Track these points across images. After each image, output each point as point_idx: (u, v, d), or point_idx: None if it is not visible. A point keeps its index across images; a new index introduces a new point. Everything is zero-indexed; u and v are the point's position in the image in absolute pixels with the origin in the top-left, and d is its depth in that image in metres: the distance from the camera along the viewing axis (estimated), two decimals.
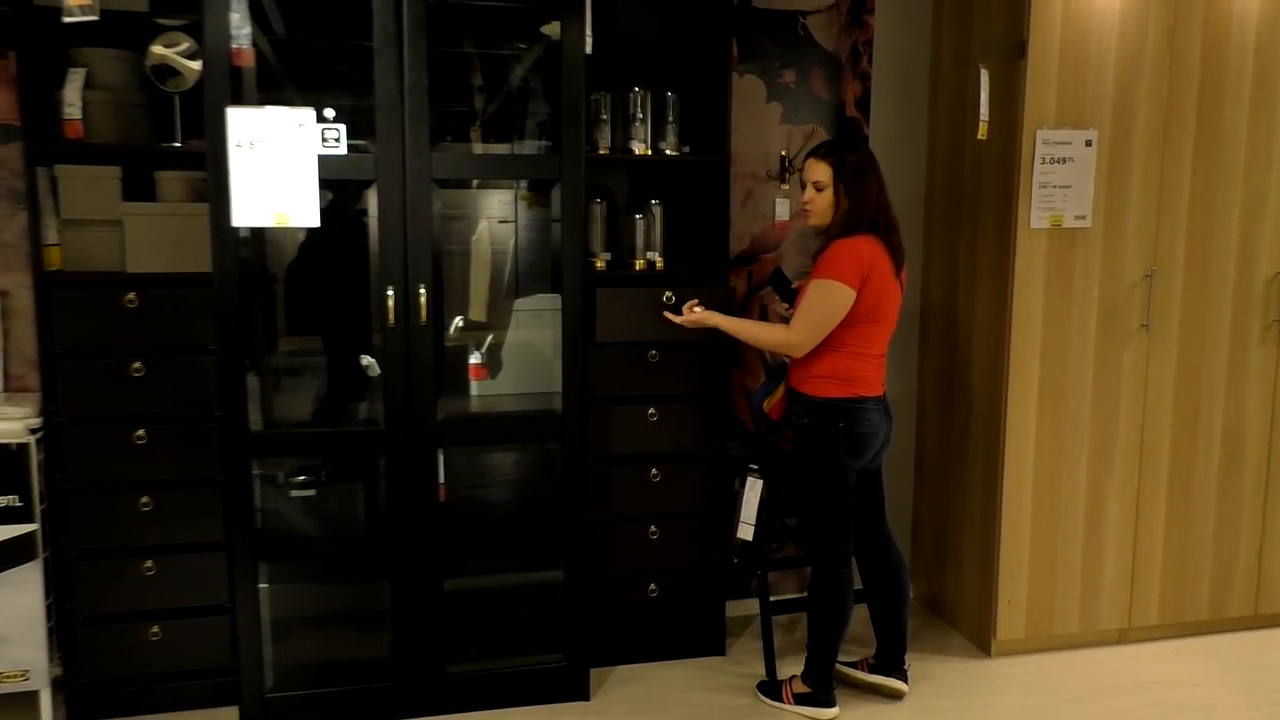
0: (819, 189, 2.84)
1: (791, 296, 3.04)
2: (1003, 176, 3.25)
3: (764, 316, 3.65)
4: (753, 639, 3.54)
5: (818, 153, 2.86)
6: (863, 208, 2.81)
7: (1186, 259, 3.36)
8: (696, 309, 2.98)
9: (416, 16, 2.70)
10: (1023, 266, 3.23)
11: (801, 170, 2.90)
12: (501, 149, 3.28)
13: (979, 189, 3.40)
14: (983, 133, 3.21)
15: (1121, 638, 3.56)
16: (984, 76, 3.19)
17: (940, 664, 3.42)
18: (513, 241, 3.37)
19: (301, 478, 3.13)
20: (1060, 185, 3.21)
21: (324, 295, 3.29)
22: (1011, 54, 3.18)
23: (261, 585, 2.84)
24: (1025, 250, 3.22)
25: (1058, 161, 3.20)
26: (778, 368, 3.09)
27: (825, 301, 2.79)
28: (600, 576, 3.24)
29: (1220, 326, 3.42)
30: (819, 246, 2.89)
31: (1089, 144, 3.21)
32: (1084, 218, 3.24)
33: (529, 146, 3.29)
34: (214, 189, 2.63)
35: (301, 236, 3.20)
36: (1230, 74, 3.29)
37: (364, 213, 3.11)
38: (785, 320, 2.99)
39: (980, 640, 3.50)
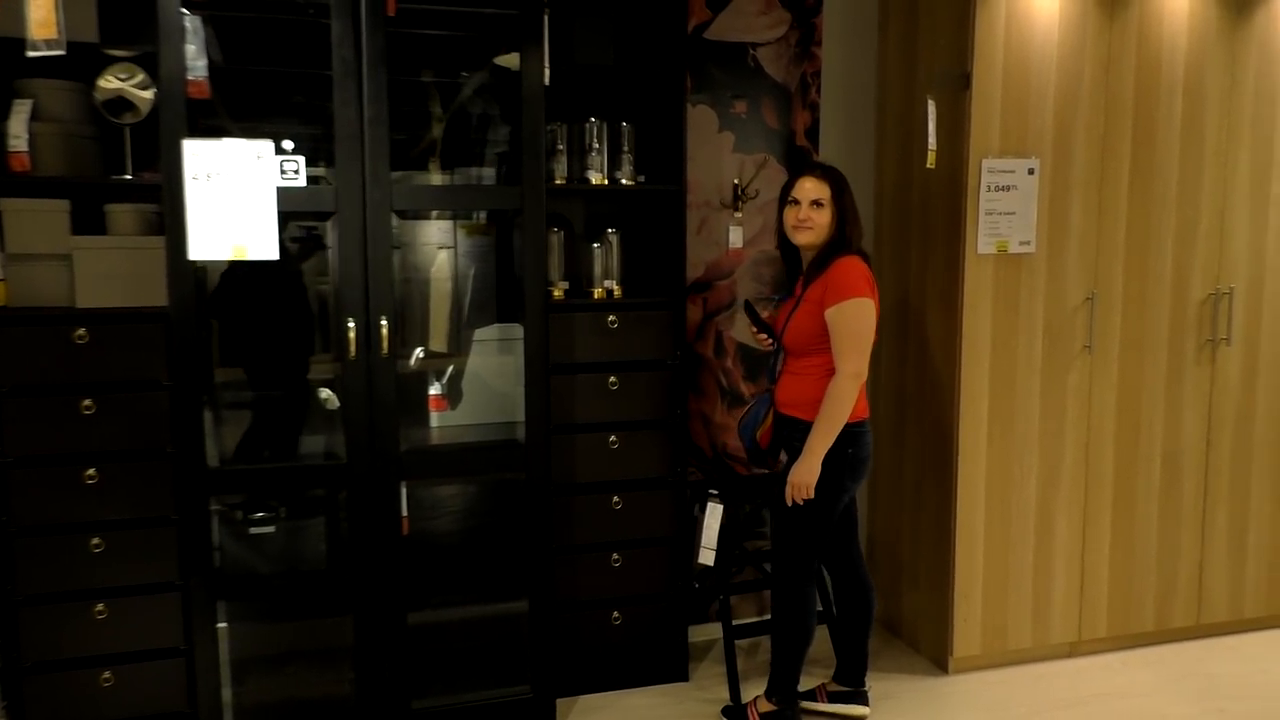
0: (819, 206, 2.86)
1: (765, 325, 3.03)
2: (950, 204, 3.35)
3: (719, 343, 3.69)
4: (714, 664, 3.56)
5: (814, 173, 2.89)
6: (854, 226, 2.90)
7: (1125, 282, 3.49)
8: (797, 486, 2.88)
9: (376, 49, 2.70)
10: (971, 291, 3.32)
11: (792, 189, 2.90)
12: (461, 179, 3.28)
13: (928, 216, 3.49)
14: (931, 161, 3.31)
15: (1072, 651, 3.65)
16: (931, 107, 3.29)
17: (900, 683, 3.47)
18: (453, 270, 3.36)
19: (260, 514, 3.07)
20: (1005, 212, 3.31)
21: (265, 326, 3.23)
22: (957, 86, 3.28)
23: (219, 625, 2.78)
24: (973, 275, 3.31)
25: (1002, 189, 3.30)
26: (764, 395, 3.06)
27: (861, 320, 2.82)
28: (565, 606, 3.23)
29: (1158, 347, 3.55)
30: (812, 266, 2.90)
31: (1031, 172, 3.32)
32: (1028, 243, 3.35)
33: (487, 176, 3.30)
34: (170, 222, 2.59)
35: (226, 267, 3.12)
36: (1161, 108, 3.44)
37: (299, 239, 3.09)
38: (764, 346, 3.10)
39: (938, 658, 3.56)
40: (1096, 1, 3.33)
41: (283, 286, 3.16)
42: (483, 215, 3.37)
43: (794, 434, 2.92)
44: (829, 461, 2.85)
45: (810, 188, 2.86)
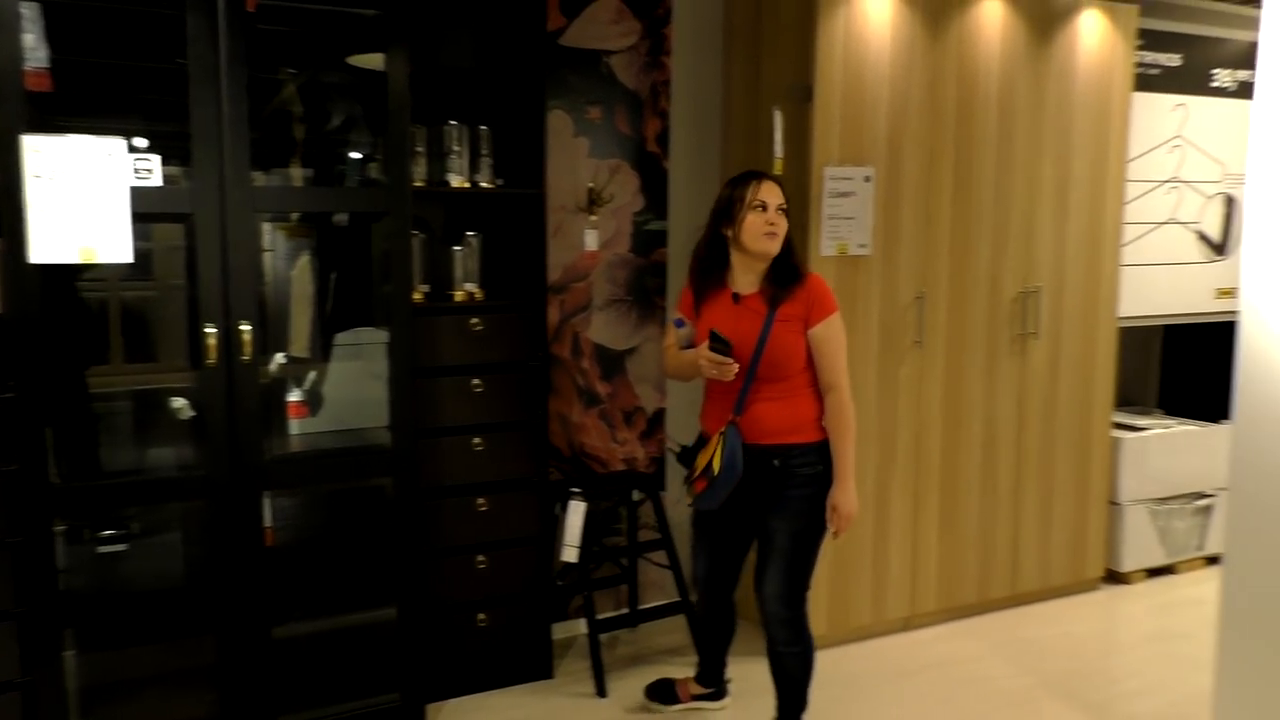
0: (784, 212, 2.69)
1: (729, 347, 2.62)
2: (795, 209, 3.52)
3: (575, 344, 3.75)
4: (576, 659, 3.62)
5: (769, 178, 2.72)
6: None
7: (949, 282, 3.79)
8: (848, 515, 2.71)
9: (235, 46, 2.60)
10: None
11: (752, 193, 2.67)
12: (321, 180, 3.20)
13: None
14: (778, 169, 3.49)
15: (907, 624, 3.93)
16: (778, 118, 3.47)
17: (751, 664, 3.62)
18: (312, 273, 3.27)
19: (109, 532, 2.90)
20: (845, 217, 3.54)
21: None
22: (800, 98, 3.47)
23: (66, 653, 2.61)
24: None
25: (842, 195, 3.52)
26: (730, 428, 2.70)
27: (843, 334, 2.76)
28: (432, 610, 3.21)
29: (977, 340, 3.88)
30: (772, 281, 2.68)
31: (868, 180, 3.56)
32: (865, 246, 3.59)
33: (350, 178, 3.23)
34: (9, 223, 2.41)
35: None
36: (978, 122, 3.75)
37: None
38: (727, 377, 2.62)
39: None
40: (922, 23, 3.60)
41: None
42: (297, 217, 3.27)
43: (791, 459, 2.70)
44: (825, 480, 2.73)
45: (774, 192, 2.67)
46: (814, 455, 2.71)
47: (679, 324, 2.77)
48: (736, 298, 2.72)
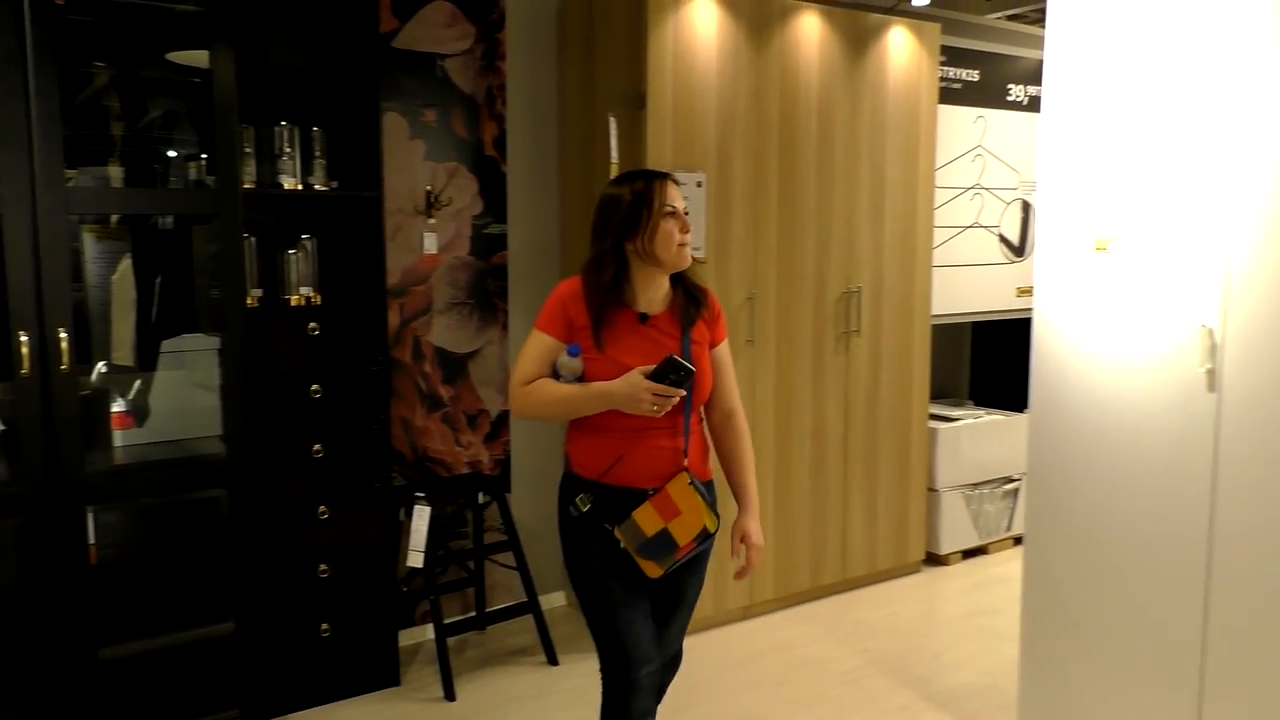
0: (688, 218, 2.30)
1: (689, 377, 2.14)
2: None
3: (417, 348, 3.73)
4: (424, 665, 3.60)
5: (668, 177, 2.29)
6: None
7: (777, 283, 3.97)
8: (752, 551, 2.37)
9: (42, 37, 2.48)
10: None
11: (659, 196, 2.22)
12: (141, 181, 3.06)
13: None
14: (614, 173, 3.57)
15: (746, 614, 4.08)
16: (613, 124, 3.56)
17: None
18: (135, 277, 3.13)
19: None
20: None
21: None
22: (634, 105, 3.58)
23: None
24: None
25: None
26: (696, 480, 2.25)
27: None
28: (273, 623, 3.13)
29: (805, 339, 4.08)
30: (683, 299, 2.30)
31: (700, 185, 3.70)
32: (700, 249, 3.72)
33: (174, 179, 3.11)
34: None
35: None
36: (800, 131, 3.96)
37: None
38: (664, 410, 2.16)
39: None
40: (747, 35, 3.77)
41: None
42: (115, 220, 3.14)
43: (709, 496, 2.31)
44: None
45: (678, 194, 2.27)
46: (714, 492, 2.35)
47: (574, 351, 2.20)
48: (644, 318, 2.25)
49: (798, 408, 4.10)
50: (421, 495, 3.45)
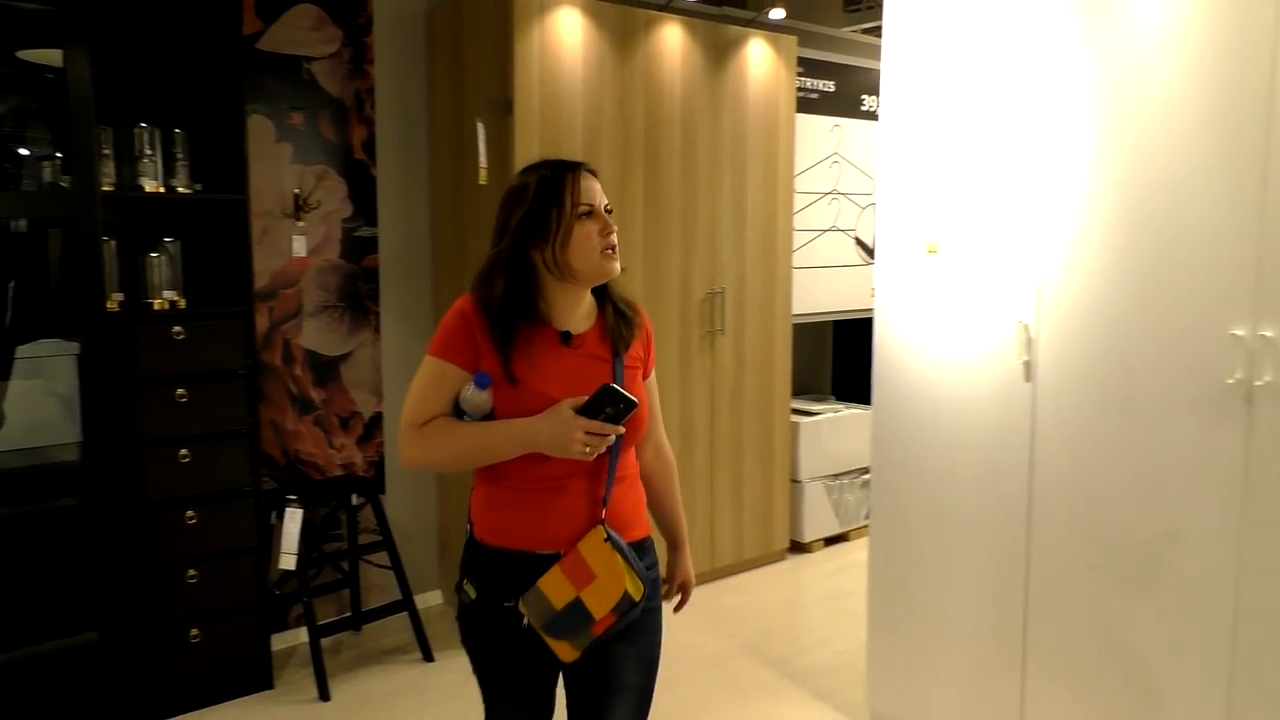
0: (609, 213, 1.85)
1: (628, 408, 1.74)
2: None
3: (287, 351, 3.72)
4: (298, 667, 3.60)
5: (584, 168, 1.85)
6: None
7: (645, 285, 4.12)
8: (686, 590, 2.13)
9: None
10: None
11: (571, 191, 1.79)
12: None
13: (481, 227, 3.83)
14: (483, 178, 3.66)
15: None
16: (481, 129, 3.64)
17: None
18: None
19: None
20: None
21: None
22: (501, 110, 3.66)
23: None
24: None
25: None
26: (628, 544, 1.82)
27: None
28: (140, 630, 3.09)
29: (673, 338, 4.24)
30: (611, 316, 1.87)
31: None
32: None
33: (26, 180, 3.04)
34: None
35: None
36: (664, 138, 4.11)
37: None
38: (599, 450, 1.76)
39: None
40: (611, 44, 3.90)
41: None
42: None
43: (644, 560, 1.87)
44: (658, 587, 1.99)
45: (597, 189, 1.84)
46: (654, 553, 1.94)
47: (483, 382, 1.76)
48: (567, 338, 1.82)
49: (666, 405, 4.25)
50: (293, 498, 3.46)
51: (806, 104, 4.88)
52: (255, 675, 3.40)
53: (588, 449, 1.72)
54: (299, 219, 3.71)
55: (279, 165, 3.66)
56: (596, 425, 1.71)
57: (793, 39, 4.57)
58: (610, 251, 1.80)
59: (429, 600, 4.19)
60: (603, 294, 1.88)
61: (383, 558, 3.81)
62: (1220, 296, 2.20)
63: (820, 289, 5.08)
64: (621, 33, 3.93)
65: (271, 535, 3.48)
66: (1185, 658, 2.33)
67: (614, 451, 1.82)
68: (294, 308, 3.73)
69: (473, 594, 1.83)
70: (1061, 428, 2.51)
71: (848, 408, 5.25)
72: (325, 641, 3.69)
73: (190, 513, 3.19)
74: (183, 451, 3.16)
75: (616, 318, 1.88)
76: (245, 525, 3.32)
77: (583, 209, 1.79)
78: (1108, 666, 2.48)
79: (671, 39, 4.10)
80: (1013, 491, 2.63)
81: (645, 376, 1.93)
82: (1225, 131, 2.19)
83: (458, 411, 1.80)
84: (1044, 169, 2.52)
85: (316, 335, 3.80)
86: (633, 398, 1.71)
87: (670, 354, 4.24)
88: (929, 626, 2.89)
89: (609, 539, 1.78)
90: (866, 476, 5.24)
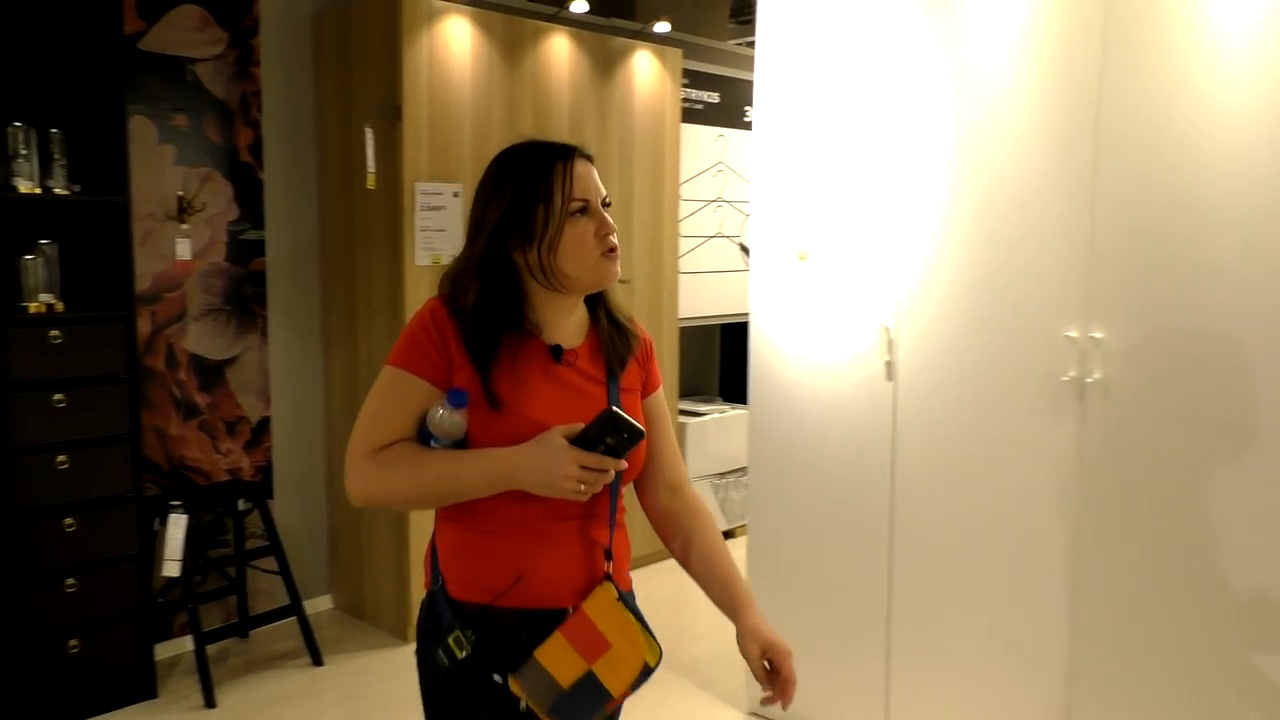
0: (607, 206, 1.57)
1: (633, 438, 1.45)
2: (391, 221, 3.76)
3: (170, 355, 3.68)
4: (183, 676, 3.56)
5: (579, 154, 1.56)
6: None
7: None
8: (783, 667, 1.62)
9: None
10: (412, 298, 3.76)
11: (564, 181, 1.51)
12: None
13: (370, 232, 3.86)
14: (371, 183, 3.69)
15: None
16: (369, 135, 3.67)
17: (366, 658, 3.79)
18: None
19: None
20: (437, 229, 3.81)
21: None
22: (390, 116, 3.70)
23: None
24: (413, 284, 3.76)
25: (434, 209, 3.79)
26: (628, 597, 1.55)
27: None
28: (16, 642, 3.02)
29: None
30: (603, 331, 1.60)
31: (456, 195, 3.86)
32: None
33: None
34: None
35: None
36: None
37: None
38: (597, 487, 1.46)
39: (399, 631, 3.95)
40: (499, 52, 3.98)
41: None
42: None
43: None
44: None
45: (594, 178, 1.56)
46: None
47: (458, 400, 1.45)
48: (558, 354, 1.54)
49: None
50: (177, 504, 3.42)
51: (692, 114, 5.03)
52: (138, 685, 3.36)
53: (582, 487, 1.41)
54: (183, 221, 3.67)
55: (162, 167, 3.61)
56: (594, 459, 1.41)
57: (678, 51, 4.71)
58: (611, 254, 1.53)
59: (319, 605, 4.18)
60: (594, 303, 1.61)
61: (271, 563, 3.79)
62: (1056, 301, 2.41)
63: (707, 293, 5.24)
64: (510, 42, 4.01)
65: (155, 542, 3.43)
66: (1030, 635, 2.54)
67: (614, 490, 1.54)
68: (178, 311, 3.69)
69: (463, 652, 1.45)
70: (919, 423, 2.69)
71: (734, 408, 5.42)
72: (211, 649, 3.66)
73: (69, 520, 3.13)
74: (61, 458, 3.10)
75: (612, 331, 1.60)
76: (127, 532, 3.28)
77: (576, 205, 1.51)
78: (963, 646, 2.67)
79: (559, 49, 4.19)
80: (876, 482, 2.81)
81: (645, 395, 1.66)
82: (1060, 153, 2.40)
83: (423, 436, 1.48)
84: (905, 183, 2.70)
85: (201, 339, 3.76)
86: (639, 426, 1.42)
87: None
88: (802, 613, 3.05)
89: (621, 598, 1.49)
90: None
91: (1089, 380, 2.37)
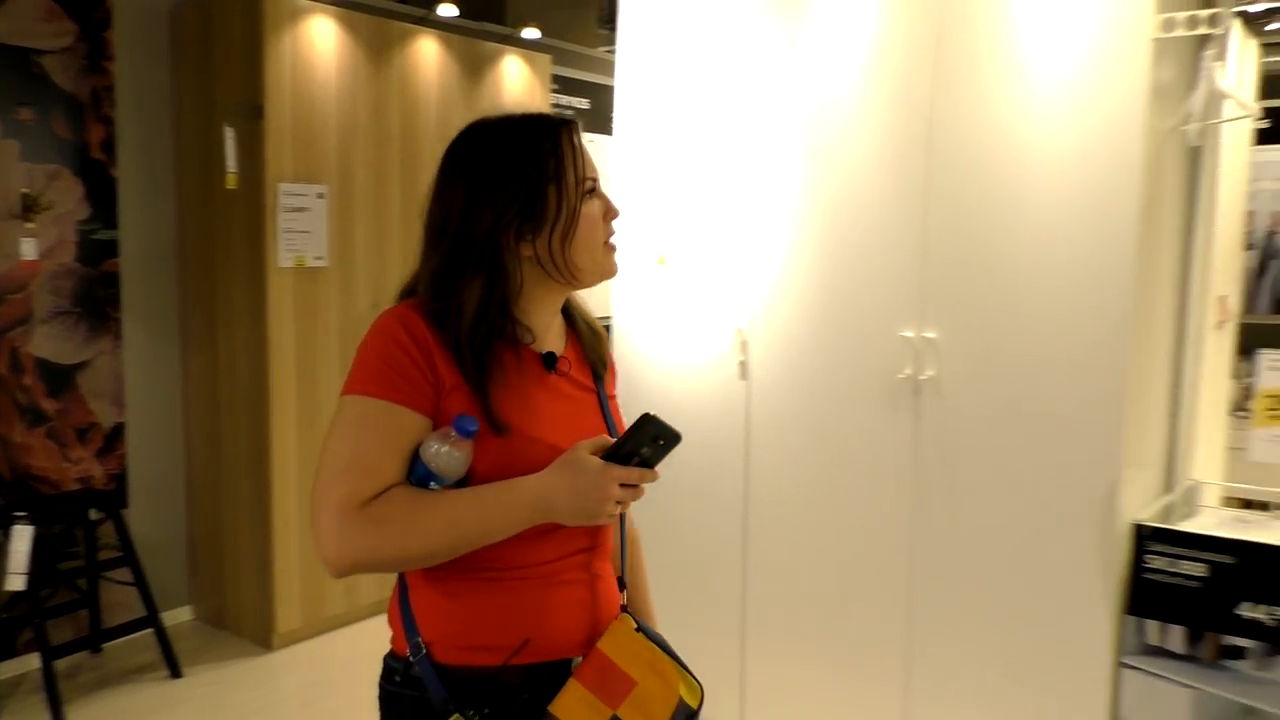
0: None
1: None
2: (252, 222, 3.69)
3: (15, 359, 3.53)
4: (28, 694, 3.42)
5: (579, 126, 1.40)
6: None
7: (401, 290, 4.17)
8: None
9: None
10: (274, 301, 3.70)
11: (575, 161, 1.34)
12: None
13: (231, 233, 3.78)
14: (232, 183, 3.62)
15: (378, 609, 4.23)
16: (230, 134, 3.60)
17: (228, 668, 3.71)
18: None
19: None
20: (301, 231, 3.76)
21: None
22: (251, 115, 3.64)
23: None
24: (276, 287, 3.70)
25: (297, 210, 3.74)
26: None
27: None
28: None
29: None
30: (564, 328, 1.46)
31: (321, 196, 3.82)
32: (322, 258, 3.85)
33: None
34: None
35: None
36: (422, 147, 4.20)
37: None
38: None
39: (262, 639, 3.88)
40: (365, 54, 3.95)
41: None
42: None
43: None
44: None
45: (591, 158, 1.39)
46: None
47: (467, 428, 1.22)
48: (551, 362, 1.38)
49: None
50: (22, 515, 3.29)
51: None
52: None
53: (619, 508, 1.26)
54: (28, 220, 3.53)
55: (5, 163, 3.46)
56: (635, 474, 1.25)
57: (547, 57, 4.76)
58: (612, 243, 1.38)
59: (179, 616, 4.07)
60: (565, 305, 1.44)
61: (126, 574, 3.67)
62: (894, 304, 2.56)
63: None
64: (376, 43, 3.99)
65: None
66: (873, 616, 2.68)
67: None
68: (23, 313, 3.54)
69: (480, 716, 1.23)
70: (770, 419, 2.81)
71: None
72: (60, 664, 3.52)
73: None
74: None
75: (590, 334, 1.45)
76: None
77: (588, 184, 1.34)
78: (812, 627, 2.80)
79: (428, 51, 4.19)
80: (732, 475, 2.91)
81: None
82: (897, 168, 2.55)
83: (416, 478, 1.23)
84: (760, 192, 2.82)
85: (49, 343, 3.62)
86: (677, 430, 1.27)
87: None
88: (666, 604, 3.13)
89: (640, 628, 1.33)
90: None
91: (922, 378, 2.53)
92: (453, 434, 1.21)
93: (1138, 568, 2.30)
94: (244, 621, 3.96)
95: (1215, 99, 2.29)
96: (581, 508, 1.22)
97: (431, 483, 1.22)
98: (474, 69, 4.40)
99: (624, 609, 1.37)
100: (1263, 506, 2.71)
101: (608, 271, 1.38)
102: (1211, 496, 2.64)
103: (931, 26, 2.47)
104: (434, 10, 4.38)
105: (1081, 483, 2.31)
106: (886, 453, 2.60)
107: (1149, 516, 2.35)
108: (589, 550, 1.35)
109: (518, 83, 4.60)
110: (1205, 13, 2.19)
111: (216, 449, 3.95)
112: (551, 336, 1.40)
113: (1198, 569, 2.22)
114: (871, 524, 2.66)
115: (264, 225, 3.65)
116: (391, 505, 1.21)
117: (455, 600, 1.27)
